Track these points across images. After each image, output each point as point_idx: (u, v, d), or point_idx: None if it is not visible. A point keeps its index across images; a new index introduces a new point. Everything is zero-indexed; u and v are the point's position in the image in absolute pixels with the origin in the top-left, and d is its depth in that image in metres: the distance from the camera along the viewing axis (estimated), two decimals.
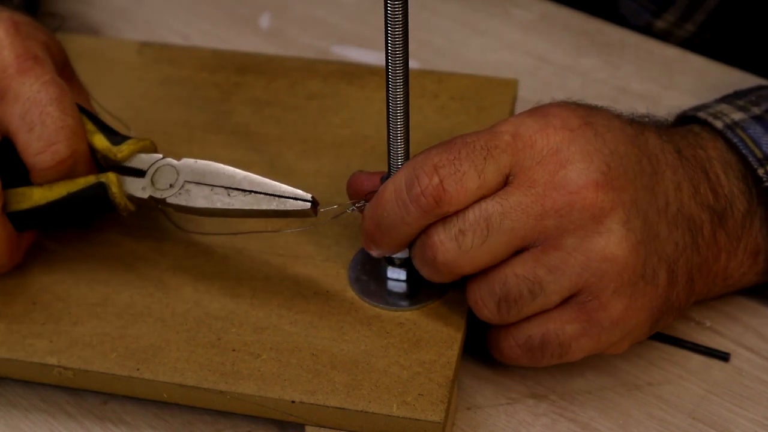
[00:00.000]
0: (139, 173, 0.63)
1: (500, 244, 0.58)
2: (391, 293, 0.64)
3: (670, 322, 0.63)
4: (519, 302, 0.59)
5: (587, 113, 0.61)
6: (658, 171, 0.61)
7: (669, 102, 0.70)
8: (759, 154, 0.64)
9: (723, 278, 0.65)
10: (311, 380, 0.60)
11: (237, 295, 0.65)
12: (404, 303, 0.64)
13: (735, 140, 0.64)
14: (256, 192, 0.61)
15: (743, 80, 0.84)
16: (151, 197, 0.62)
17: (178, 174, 0.62)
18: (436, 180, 0.58)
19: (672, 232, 0.60)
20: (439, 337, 0.62)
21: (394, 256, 0.63)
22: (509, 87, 0.77)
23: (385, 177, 0.61)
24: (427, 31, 0.89)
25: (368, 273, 0.65)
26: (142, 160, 0.64)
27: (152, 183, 0.63)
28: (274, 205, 0.60)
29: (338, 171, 0.70)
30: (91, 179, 0.63)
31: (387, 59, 0.58)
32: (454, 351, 0.61)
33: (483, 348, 0.66)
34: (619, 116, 0.62)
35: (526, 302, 0.59)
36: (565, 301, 0.59)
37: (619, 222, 0.58)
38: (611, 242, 0.58)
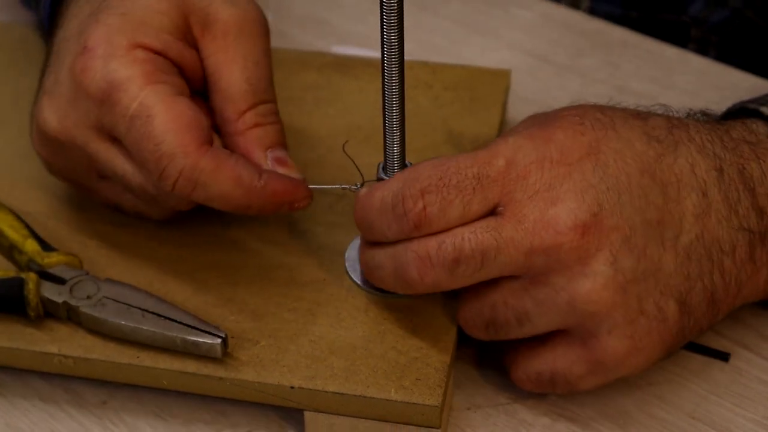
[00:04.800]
0: (60, 281, 0.64)
1: (491, 274, 0.58)
2: None
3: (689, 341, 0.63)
4: (506, 328, 0.60)
5: (596, 138, 0.59)
6: (675, 199, 0.59)
7: (669, 102, 0.70)
8: None
9: (764, 292, 0.63)
10: (310, 366, 0.61)
11: (235, 283, 0.65)
12: None
13: None
14: (170, 319, 0.61)
15: (743, 80, 0.84)
16: (65, 302, 0.63)
17: (98, 289, 0.63)
18: (420, 205, 0.57)
19: (683, 263, 0.59)
20: (436, 323, 0.63)
21: None
22: (502, 77, 0.78)
23: (382, 166, 0.62)
24: (427, 31, 0.89)
25: None
26: (67, 271, 0.64)
27: (70, 291, 0.63)
28: (184, 333, 0.61)
29: (333, 161, 0.71)
30: (10, 273, 0.64)
31: (383, 49, 0.58)
32: (450, 336, 0.62)
33: (483, 348, 0.66)
34: (647, 132, 0.60)
35: (514, 329, 0.59)
36: (569, 335, 0.59)
37: (605, 263, 0.57)
38: (597, 284, 0.57)
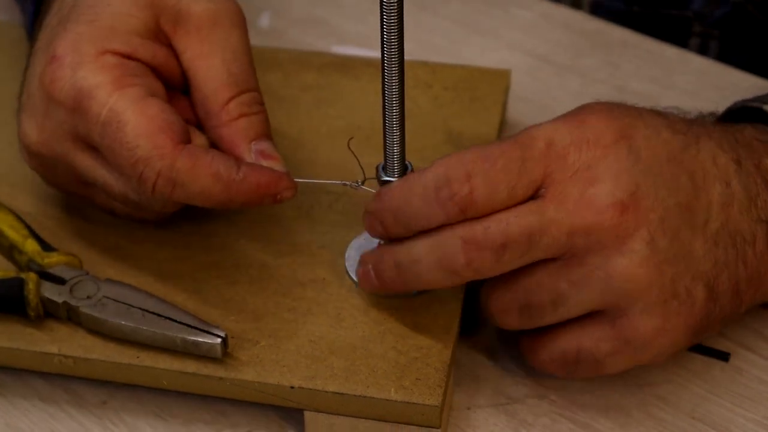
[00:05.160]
0: (60, 281, 0.64)
1: (535, 257, 0.58)
2: None
3: (715, 332, 0.63)
4: (541, 311, 0.59)
5: (627, 125, 0.59)
6: (702, 187, 0.60)
7: (669, 102, 0.70)
8: None
9: None
10: (310, 366, 0.61)
11: (234, 282, 0.65)
12: None
13: None
14: (170, 319, 0.62)
15: (743, 80, 0.84)
16: (65, 302, 0.63)
17: (98, 289, 0.63)
18: (466, 188, 0.57)
19: (711, 249, 0.59)
20: (436, 323, 0.63)
21: None
22: (502, 77, 0.78)
23: (382, 166, 0.62)
24: (427, 31, 0.89)
25: None
26: (67, 271, 0.64)
27: (70, 291, 0.63)
28: (184, 333, 0.61)
29: (333, 161, 0.71)
30: (10, 273, 0.64)
31: (383, 49, 0.58)
32: (450, 336, 0.62)
33: (483, 347, 0.66)
34: (671, 124, 0.61)
35: (548, 312, 0.59)
36: (598, 316, 0.59)
37: (642, 242, 0.57)
38: (634, 262, 0.57)
